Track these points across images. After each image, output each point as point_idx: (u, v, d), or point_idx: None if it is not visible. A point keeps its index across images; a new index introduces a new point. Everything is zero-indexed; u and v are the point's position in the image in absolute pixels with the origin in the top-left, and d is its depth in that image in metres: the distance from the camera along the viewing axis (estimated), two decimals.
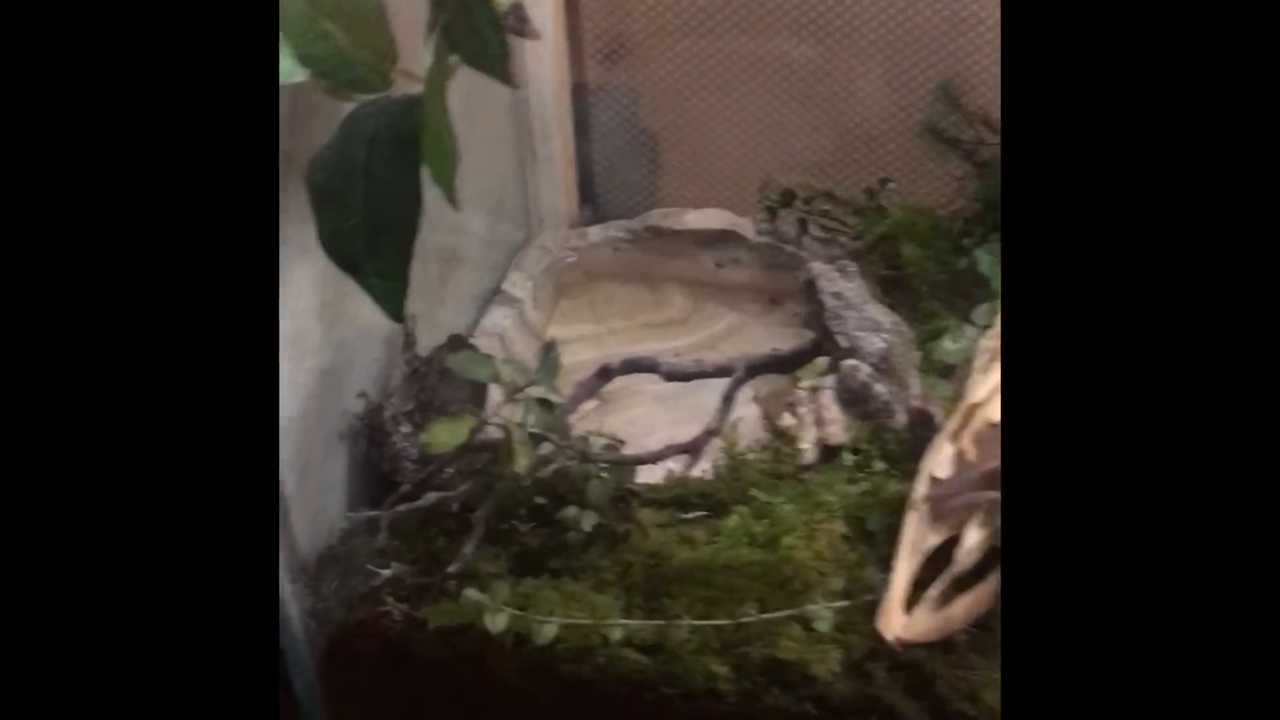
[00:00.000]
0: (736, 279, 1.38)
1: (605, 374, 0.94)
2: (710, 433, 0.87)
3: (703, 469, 1.06)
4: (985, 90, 1.44)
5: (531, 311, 1.32)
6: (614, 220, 1.46)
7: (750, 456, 1.07)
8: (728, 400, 0.88)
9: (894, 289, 1.22)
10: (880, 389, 0.80)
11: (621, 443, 1.10)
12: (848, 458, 1.03)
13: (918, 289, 1.18)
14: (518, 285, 1.32)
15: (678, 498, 1.03)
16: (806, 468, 0.76)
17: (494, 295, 1.31)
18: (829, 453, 0.76)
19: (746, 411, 1.12)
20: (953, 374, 1.09)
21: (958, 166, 1.27)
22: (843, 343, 0.82)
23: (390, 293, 0.74)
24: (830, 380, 0.81)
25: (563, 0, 1.47)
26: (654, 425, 1.22)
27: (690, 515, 1.01)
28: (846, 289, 0.83)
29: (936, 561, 0.88)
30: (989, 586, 0.83)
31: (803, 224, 1.34)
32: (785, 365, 0.89)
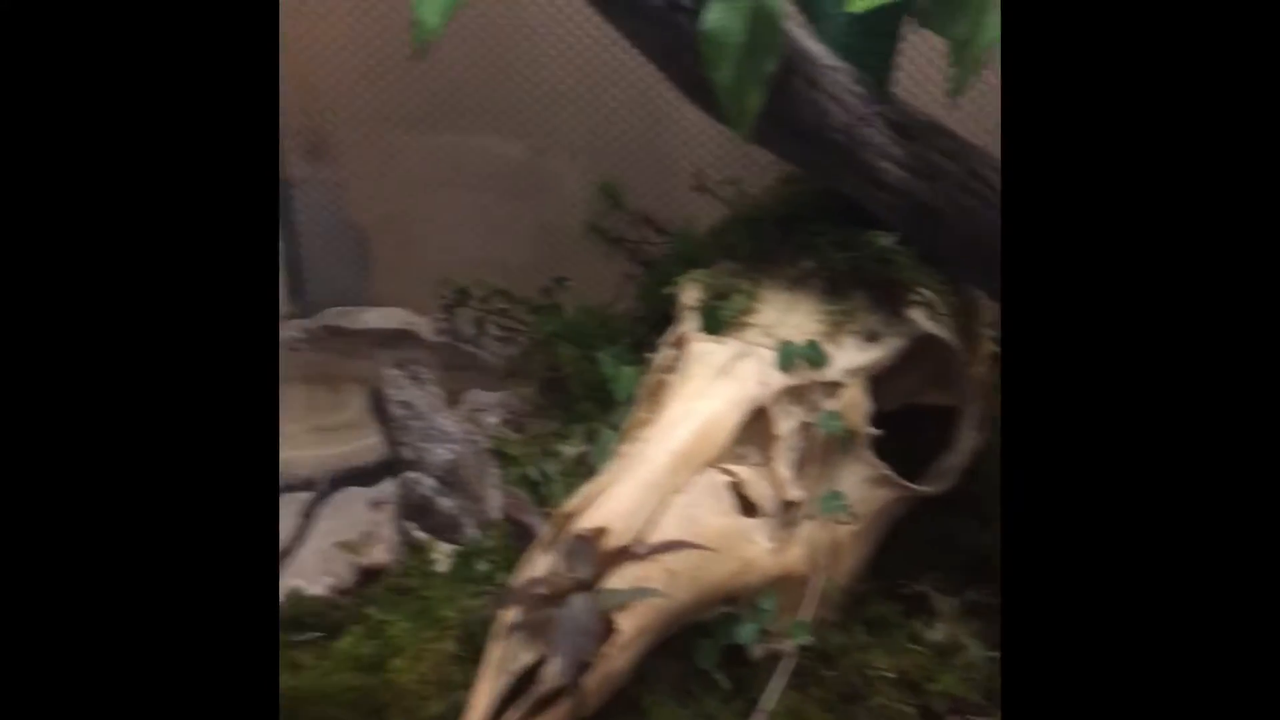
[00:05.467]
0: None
1: None
2: (283, 554, 0.81)
3: (325, 582, 0.99)
4: (672, 191, 1.45)
5: None
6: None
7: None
8: (307, 516, 0.82)
9: (554, 390, 1.19)
10: (445, 503, 0.76)
11: None
12: (482, 566, 1.00)
13: (574, 391, 1.16)
14: None
15: (292, 618, 0.96)
16: (345, 591, 0.71)
17: None
18: (367, 575, 0.71)
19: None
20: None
21: (623, 265, 1.26)
22: (408, 454, 0.77)
23: None
24: (392, 492, 0.76)
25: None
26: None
27: (302, 637, 0.95)
28: (416, 397, 0.79)
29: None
30: (564, 709, 0.79)
31: (480, 323, 1.31)
32: (369, 477, 0.84)
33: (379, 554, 0.71)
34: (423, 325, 1.33)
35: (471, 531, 0.77)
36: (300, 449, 1.27)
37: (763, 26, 0.88)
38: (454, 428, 0.79)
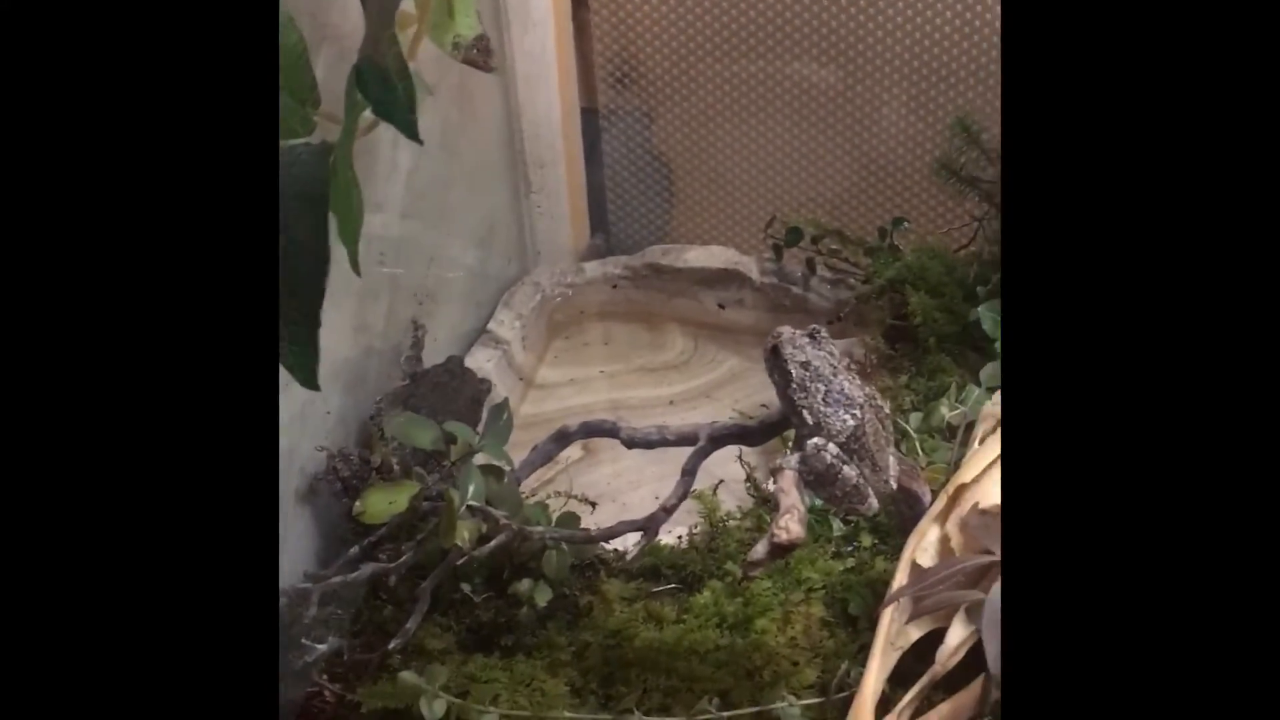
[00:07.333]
0: (740, 321, 1.30)
1: (562, 438, 0.87)
2: (667, 510, 0.79)
3: (678, 535, 0.98)
4: None
5: (520, 353, 1.25)
6: (616, 254, 1.39)
7: (731, 524, 0.99)
8: (688, 474, 0.80)
9: (900, 340, 1.13)
10: (849, 472, 0.72)
11: (593, 504, 1.02)
12: (837, 526, 0.96)
13: (924, 341, 1.09)
14: (505, 324, 1.25)
15: (648, 567, 0.95)
16: (756, 564, 0.68)
17: (479, 335, 1.24)
18: (780, 551, 0.67)
19: (728, 471, 1.04)
20: (954, 436, 1.00)
21: (976, 206, 1.17)
22: (808, 418, 0.73)
23: (302, 360, 0.67)
24: (793, 460, 0.72)
25: (570, 23, 1.41)
26: (641, 478, 1.15)
27: (660, 588, 0.94)
28: (816, 357, 0.74)
29: (922, 658, 0.79)
30: (972, 693, 0.74)
31: (810, 264, 1.25)
32: (752, 436, 0.81)
33: (793, 526, 0.67)
34: (749, 265, 1.29)
35: (874, 502, 0.72)
36: (628, 389, 1.26)
37: None
38: (857, 391, 0.74)
